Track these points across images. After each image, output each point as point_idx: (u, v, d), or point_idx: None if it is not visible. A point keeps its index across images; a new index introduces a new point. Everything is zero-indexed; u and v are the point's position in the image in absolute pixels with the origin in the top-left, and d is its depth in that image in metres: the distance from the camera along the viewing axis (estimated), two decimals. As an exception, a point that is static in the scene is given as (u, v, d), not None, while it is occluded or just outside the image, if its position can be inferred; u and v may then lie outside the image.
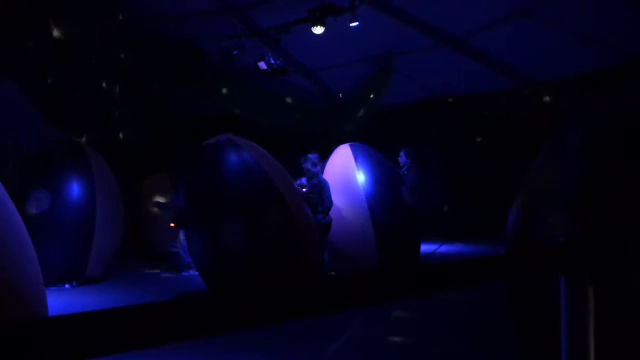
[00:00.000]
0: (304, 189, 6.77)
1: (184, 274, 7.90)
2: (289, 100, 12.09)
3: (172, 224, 8.30)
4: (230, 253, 5.57)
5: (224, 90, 11.59)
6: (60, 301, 5.71)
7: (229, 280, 5.48)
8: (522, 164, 4.26)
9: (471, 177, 11.37)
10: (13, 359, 0.89)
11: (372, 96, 11.29)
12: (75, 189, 6.92)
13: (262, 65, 10.34)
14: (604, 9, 7.95)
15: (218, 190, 5.72)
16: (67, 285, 6.73)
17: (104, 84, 9.88)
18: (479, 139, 11.78)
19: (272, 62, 10.31)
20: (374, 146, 7.77)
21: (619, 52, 8.83)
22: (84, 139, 7.69)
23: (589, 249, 1.73)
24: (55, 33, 8.52)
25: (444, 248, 9.82)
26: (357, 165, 7.27)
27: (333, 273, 7.16)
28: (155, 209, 8.93)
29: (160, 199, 8.77)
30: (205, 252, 5.85)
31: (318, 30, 8.92)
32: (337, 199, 7.01)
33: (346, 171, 7.30)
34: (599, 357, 1.65)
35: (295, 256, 5.69)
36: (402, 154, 8.12)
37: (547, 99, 10.44)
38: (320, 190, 6.61)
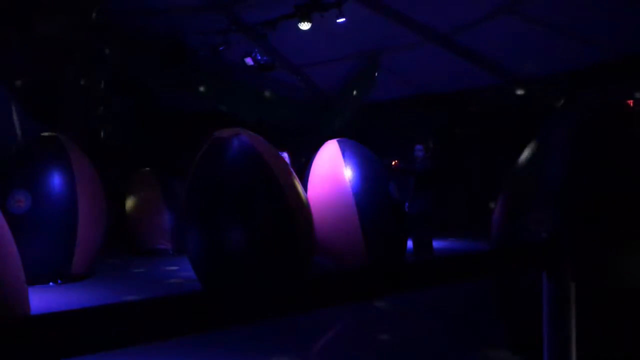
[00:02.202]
0: None
1: None
2: (275, 96, 12.06)
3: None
4: (226, 248, 5.59)
5: (210, 86, 11.52)
6: (44, 299, 5.64)
7: (223, 276, 5.51)
8: (507, 159, 4.30)
9: (457, 173, 11.45)
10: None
11: (358, 92, 11.31)
12: (56, 184, 6.81)
13: (249, 61, 10.29)
14: (589, 6, 8.05)
15: (221, 185, 5.73)
16: (51, 283, 6.65)
17: (88, 80, 9.76)
18: (463, 132, 11.86)
19: (259, 58, 10.27)
20: (361, 142, 7.78)
21: (603, 49, 8.94)
22: (68, 135, 7.55)
23: (570, 244, 1.75)
24: (39, 27, 8.39)
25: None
26: (344, 160, 7.28)
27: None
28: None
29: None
30: (201, 246, 5.85)
31: (305, 26, 8.90)
32: (324, 194, 7.01)
33: (334, 167, 7.30)
34: (580, 351, 1.68)
35: (290, 254, 5.75)
36: (419, 148, 8.09)
37: (533, 95, 10.54)
38: None
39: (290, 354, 3.87)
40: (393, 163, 7.74)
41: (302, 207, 6.08)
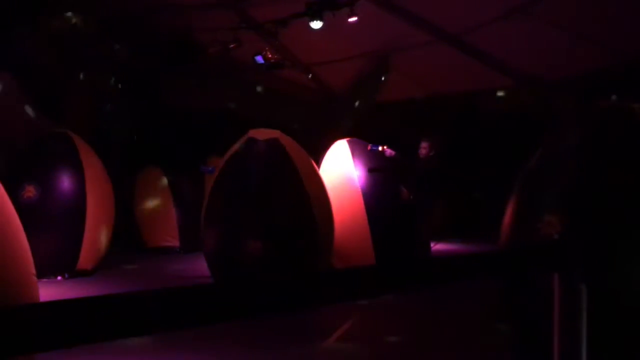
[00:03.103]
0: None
1: None
2: (285, 95, 12.05)
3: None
4: (244, 250, 5.60)
5: (220, 84, 11.53)
6: (51, 293, 5.67)
7: (239, 276, 5.52)
8: (518, 162, 4.26)
9: (467, 175, 11.38)
10: (4, 344, 0.87)
11: (369, 92, 11.28)
12: (65, 180, 6.86)
13: (259, 59, 10.30)
14: (604, 8, 7.96)
15: (247, 186, 5.74)
16: (58, 277, 6.69)
17: (97, 76, 9.80)
18: (473, 133, 11.79)
19: (269, 56, 10.28)
20: (371, 142, 7.75)
21: (618, 52, 8.85)
22: (76, 132, 7.59)
23: (582, 246, 1.73)
24: (48, 23, 8.44)
25: (440, 246, 9.81)
26: (354, 160, 7.28)
27: None
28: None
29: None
30: (220, 245, 5.86)
31: (316, 24, 8.89)
32: (334, 194, 7.01)
33: (343, 167, 7.30)
34: (591, 354, 1.66)
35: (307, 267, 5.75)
36: (423, 145, 7.93)
37: (545, 97, 10.45)
38: None
39: (295, 352, 3.86)
40: (380, 149, 7.45)
41: (325, 217, 6.03)
